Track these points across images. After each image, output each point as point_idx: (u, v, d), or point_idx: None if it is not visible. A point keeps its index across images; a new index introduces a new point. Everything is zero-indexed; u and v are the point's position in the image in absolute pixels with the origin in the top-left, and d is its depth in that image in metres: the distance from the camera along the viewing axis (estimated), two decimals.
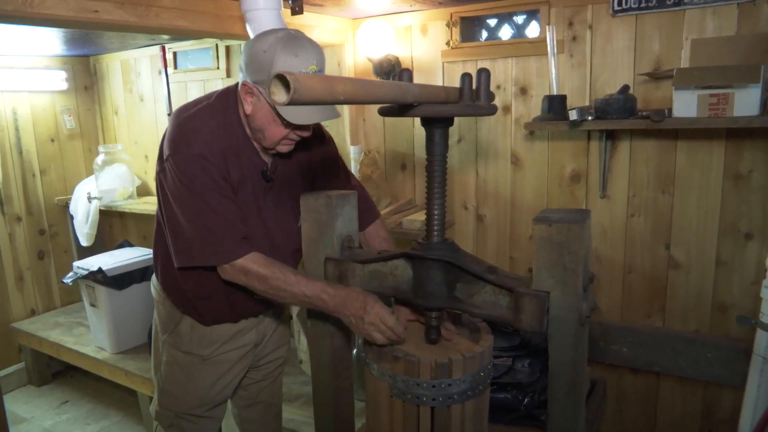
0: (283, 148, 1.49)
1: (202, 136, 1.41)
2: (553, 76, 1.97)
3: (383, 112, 1.25)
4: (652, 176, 2.07)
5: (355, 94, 0.86)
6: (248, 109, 1.44)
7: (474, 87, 1.22)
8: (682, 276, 2.08)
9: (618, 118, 1.83)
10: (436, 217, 1.32)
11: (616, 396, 2.31)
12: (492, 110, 1.23)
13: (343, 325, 1.40)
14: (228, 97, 1.50)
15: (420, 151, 2.56)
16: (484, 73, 1.22)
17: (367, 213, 1.63)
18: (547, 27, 1.98)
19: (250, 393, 1.84)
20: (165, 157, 1.43)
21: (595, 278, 1.20)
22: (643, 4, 1.89)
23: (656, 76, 1.89)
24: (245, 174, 1.49)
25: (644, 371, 2.20)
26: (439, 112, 1.19)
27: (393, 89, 1.00)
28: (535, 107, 2.22)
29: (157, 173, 1.48)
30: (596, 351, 2.17)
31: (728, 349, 2.02)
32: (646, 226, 2.11)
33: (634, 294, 2.18)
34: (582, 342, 1.20)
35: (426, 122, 1.27)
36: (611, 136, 2.09)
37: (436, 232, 1.32)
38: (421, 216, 2.31)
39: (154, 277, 1.70)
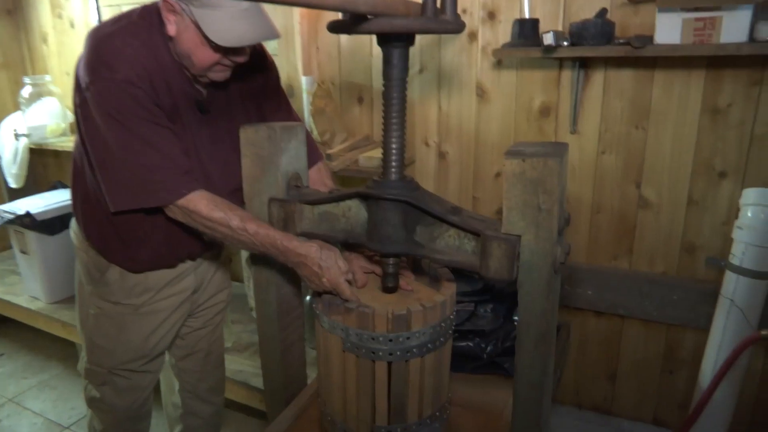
0: (217, 76, 1.32)
1: (125, 58, 1.23)
2: None
3: (333, 27, 1.08)
4: (626, 110, 1.96)
5: None
6: (171, 29, 1.25)
7: (439, 1, 1.06)
8: (652, 216, 2.02)
9: (595, 45, 1.69)
10: (393, 151, 1.18)
11: (579, 339, 2.28)
12: (459, 26, 1.07)
13: (291, 272, 1.28)
14: (151, 16, 1.31)
15: (379, 82, 2.36)
16: None
17: (309, 154, 1.48)
18: None
19: (188, 342, 1.74)
20: (84, 85, 1.25)
21: (570, 220, 1.08)
22: None
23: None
24: (177, 105, 1.31)
25: (609, 314, 2.17)
26: (398, 26, 1.03)
27: None
28: (503, 34, 2.06)
29: (76, 106, 1.30)
30: (561, 294, 2.12)
31: (695, 291, 1.99)
32: (617, 163, 2.02)
33: (602, 235, 2.11)
34: (555, 291, 1.11)
35: (382, 40, 1.11)
36: (585, 65, 1.96)
37: (393, 169, 1.19)
38: (378, 153, 2.15)
39: (73, 221, 1.52)
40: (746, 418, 2.06)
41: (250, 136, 1.33)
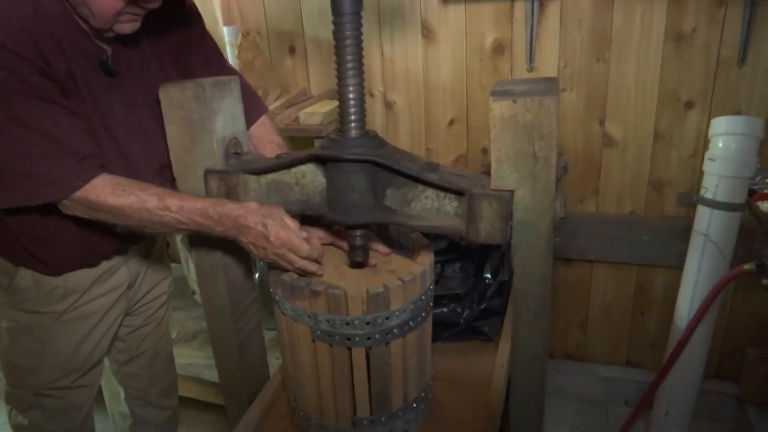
0: (124, 28, 1.09)
1: None
2: None
3: None
4: (585, 42, 1.85)
5: None
6: None
7: None
8: (618, 154, 1.96)
9: None
10: (352, 102, 1.02)
11: None
12: None
13: (238, 252, 1.11)
14: None
15: (311, 28, 2.16)
16: None
17: (249, 109, 1.28)
18: None
19: (129, 344, 1.55)
20: None
21: (568, 167, 0.94)
22: None
23: None
24: (74, 68, 1.08)
25: (578, 260, 2.10)
26: None
27: None
28: None
29: None
30: None
31: (665, 229, 1.95)
32: (579, 100, 1.92)
33: (566, 178, 2.02)
34: (552, 251, 0.97)
35: None
36: None
37: (353, 124, 1.03)
38: (321, 107, 1.95)
39: None
40: (717, 349, 2.08)
41: (174, 96, 1.12)
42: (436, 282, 1.71)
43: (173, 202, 1.05)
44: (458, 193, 0.98)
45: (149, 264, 1.47)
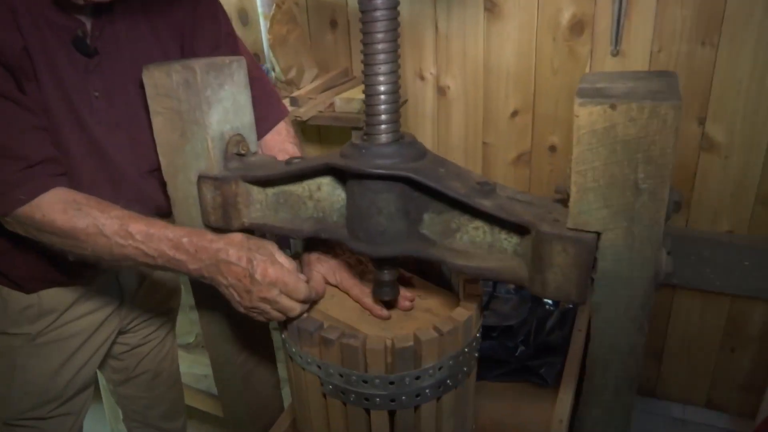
0: None
1: None
2: None
3: None
4: (689, 21, 1.57)
5: None
6: None
7: None
8: (719, 161, 1.67)
9: None
10: (383, 96, 0.79)
11: None
12: None
13: None
14: None
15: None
16: None
17: (265, 111, 1.10)
18: None
19: (126, 363, 1.40)
20: None
21: (682, 203, 0.68)
22: None
23: None
24: (33, 46, 0.89)
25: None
26: None
27: None
28: None
29: None
30: None
31: None
32: None
33: None
34: (649, 318, 0.72)
35: None
36: None
37: (384, 126, 0.79)
38: (360, 93, 1.72)
39: None
40: None
41: (160, 81, 0.92)
42: (486, 305, 1.47)
43: (138, 228, 0.85)
44: (520, 227, 0.73)
45: (146, 276, 1.29)
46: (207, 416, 1.96)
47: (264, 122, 1.10)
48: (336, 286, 1.00)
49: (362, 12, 0.74)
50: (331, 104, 1.68)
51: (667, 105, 0.59)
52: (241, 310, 0.86)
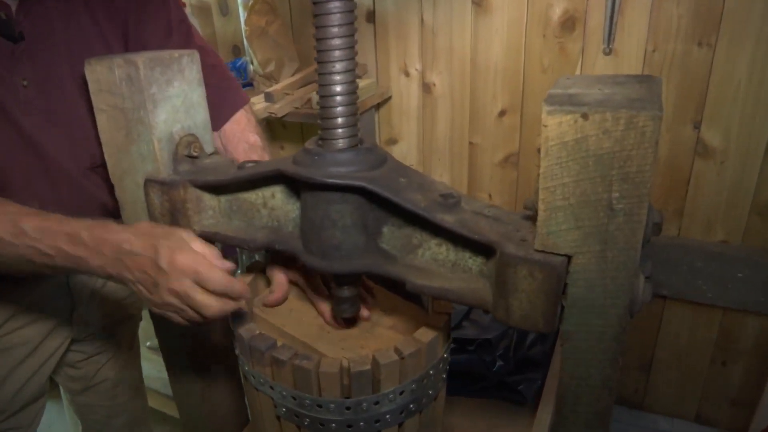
0: None
1: None
2: None
3: None
4: (685, 20, 1.50)
5: None
6: None
7: None
8: (714, 167, 1.61)
9: None
10: (338, 100, 0.72)
11: None
12: None
13: None
14: None
15: None
16: None
17: (222, 100, 1.04)
18: None
19: (84, 371, 1.33)
20: None
21: (662, 224, 0.61)
22: None
23: None
24: None
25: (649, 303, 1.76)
26: None
27: None
28: None
29: None
30: None
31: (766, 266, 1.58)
32: (668, 95, 1.58)
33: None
34: (623, 348, 0.66)
35: None
36: None
37: (340, 130, 0.73)
38: None
39: None
40: None
41: (102, 76, 0.85)
42: (464, 317, 1.41)
43: (32, 223, 0.75)
44: (485, 246, 0.67)
45: (103, 281, 1.22)
46: (178, 422, 1.90)
47: (221, 111, 1.04)
48: (298, 289, 0.94)
49: (315, 3, 0.67)
50: (308, 100, 1.61)
51: (645, 115, 0.53)
52: (155, 310, 0.74)
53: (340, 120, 0.71)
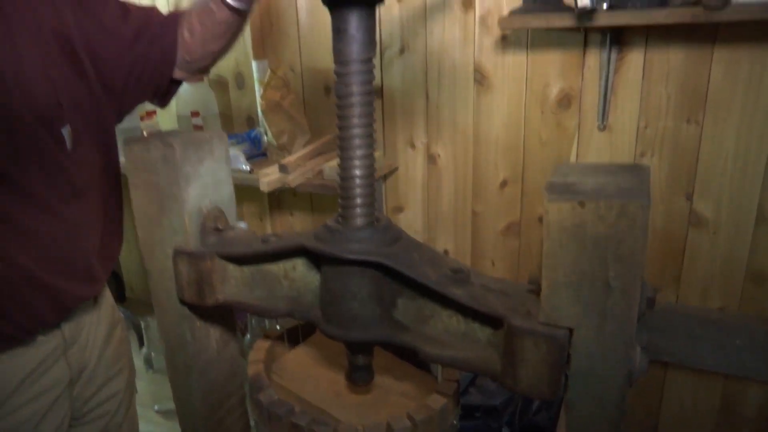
0: None
1: None
2: None
3: None
4: (674, 98, 1.58)
5: None
6: None
7: None
8: (707, 236, 1.66)
9: (644, 7, 1.27)
10: (358, 180, 0.78)
11: None
12: None
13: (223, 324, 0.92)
14: None
15: None
16: None
17: (164, 26, 1.07)
18: None
19: None
20: None
21: (655, 299, 0.67)
22: None
23: None
24: None
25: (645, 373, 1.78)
26: None
27: None
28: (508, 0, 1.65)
29: None
30: None
31: (765, 333, 1.61)
32: (661, 168, 1.64)
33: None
34: (624, 414, 0.70)
35: None
36: (618, 40, 1.55)
37: (358, 210, 0.79)
38: None
39: None
40: None
41: (139, 156, 0.92)
42: (470, 383, 1.44)
43: None
44: (494, 319, 0.72)
45: (103, 348, 1.20)
46: None
47: (168, 26, 1.05)
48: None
49: (338, 97, 0.75)
50: (320, 171, 1.69)
51: (635, 204, 0.59)
52: None
53: (359, 200, 0.78)
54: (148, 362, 2.10)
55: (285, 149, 1.87)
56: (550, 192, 0.62)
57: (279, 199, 2.29)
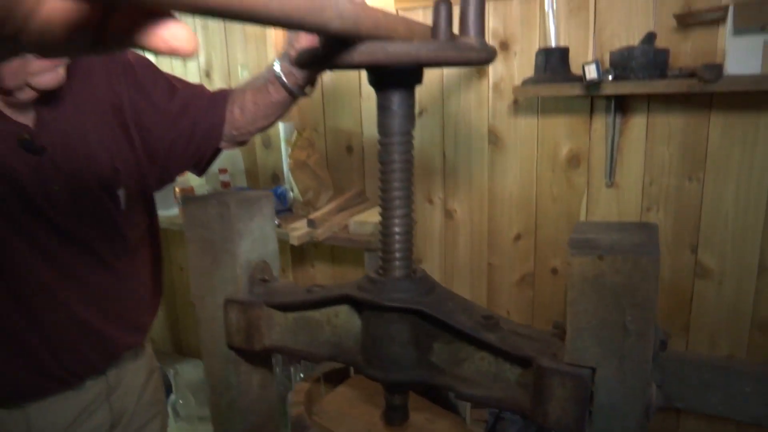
0: (45, 81, 0.89)
1: None
2: (551, 21, 1.51)
3: (302, 60, 0.75)
4: (675, 158, 1.67)
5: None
6: None
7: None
8: (713, 287, 1.71)
9: (645, 78, 1.39)
10: (397, 236, 0.86)
11: None
12: (488, 54, 0.75)
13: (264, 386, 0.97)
14: None
15: (370, 128, 2.08)
16: None
17: (212, 104, 1.13)
18: None
19: None
20: None
21: (668, 342, 0.74)
22: None
23: (696, 18, 1.44)
24: None
25: (661, 407, 1.81)
26: (396, 55, 0.71)
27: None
28: (520, 68, 1.78)
29: None
30: None
31: None
32: (666, 223, 1.71)
33: None
34: None
35: (375, 77, 0.80)
36: (622, 105, 1.66)
37: (398, 263, 0.86)
38: (374, 216, 1.82)
39: None
40: None
41: (195, 214, 1.00)
42: (492, 428, 1.48)
43: None
44: (523, 359, 0.79)
45: (141, 392, 1.25)
46: None
47: (218, 103, 1.10)
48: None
49: (381, 163, 0.84)
50: (345, 226, 1.78)
51: (647, 258, 0.67)
52: None
53: (398, 254, 0.86)
54: (175, 411, 2.15)
55: (310, 205, 1.97)
56: (573, 247, 0.71)
57: (301, 252, 2.38)
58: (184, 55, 0.35)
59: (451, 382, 0.85)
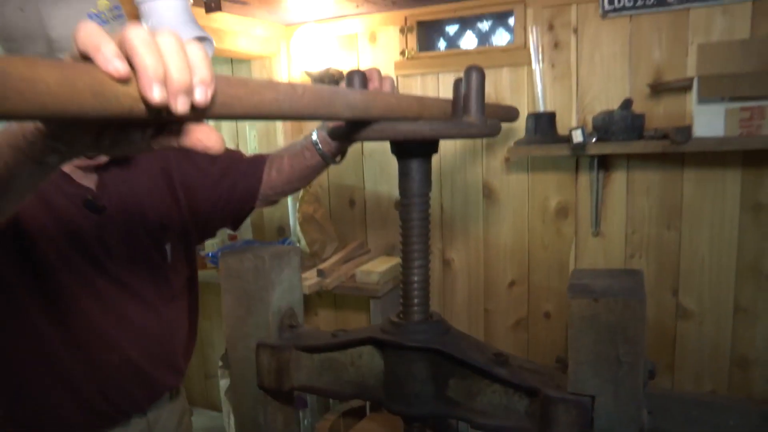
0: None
1: None
2: (539, 89, 1.67)
3: (335, 133, 0.88)
4: (654, 209, 1.80)
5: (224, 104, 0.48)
6: None
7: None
8: (694, 327, 1.82)
9: (624, 140, 1.53)
10: (416, 285, 0.97)
11: None
12: (490, 130, 0.88)
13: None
14: None
15: (372, 183, 2.20)
16: (475, 75, 0.87)
17: (251, 167, 1.23)
18: (530, 29, 1.68)
19: None
20: None
21: (655, 372, 0.85)
22: (639, 3, 1.62)
23: (666, 87, 1.60)
24: (42, 224, 1.00)
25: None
26: (404, 132, 0.84)
27: (311, 97, 0.61)
28: (510, 129, 1.91)
29: None
30: None
31: (756, 414, 1.74)
32: (648, 268, 1.83)
33: None
34: None
35: (397, 148, 0.92)
36: (604, 163, 1.80)
37: (416, 308, 0.97)
38: (378, 265, 1.93)
39: None
40: None
41: (232, 266, 1.10)
42: None
43: None
44: (531, 391, 0.89)
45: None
46: None
47: (257, 166, 1.20)
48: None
49: (402, 221, 0.95)
50: (353, 276, 1.88)
51: (635, 300, 0.78)
52: None
53: (416, 300, 0.96)
54: None
55: (317, 256, 2.07)
56: (572, 292, 0.82)
57: (306, 301, 2.45)
58: (213, 152, 0.47)
59: (466, 414, 0.95)
